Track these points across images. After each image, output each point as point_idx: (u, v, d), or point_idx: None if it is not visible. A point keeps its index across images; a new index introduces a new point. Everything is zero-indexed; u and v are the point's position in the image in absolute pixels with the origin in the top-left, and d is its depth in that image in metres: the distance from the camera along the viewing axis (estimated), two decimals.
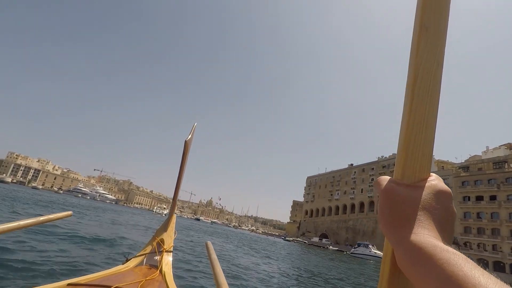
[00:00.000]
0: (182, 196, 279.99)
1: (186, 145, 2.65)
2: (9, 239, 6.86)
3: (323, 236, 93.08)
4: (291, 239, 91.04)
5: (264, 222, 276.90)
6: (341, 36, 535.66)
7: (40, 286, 1.53)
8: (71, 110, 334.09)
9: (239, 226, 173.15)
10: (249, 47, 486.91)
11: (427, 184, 0.42)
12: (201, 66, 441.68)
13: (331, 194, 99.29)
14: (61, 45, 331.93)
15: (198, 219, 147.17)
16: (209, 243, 2.14)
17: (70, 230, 10.54)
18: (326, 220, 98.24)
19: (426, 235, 0.35)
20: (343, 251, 67.30)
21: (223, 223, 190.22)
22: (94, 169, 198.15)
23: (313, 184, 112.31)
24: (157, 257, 2.46)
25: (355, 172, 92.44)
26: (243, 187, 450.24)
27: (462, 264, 0.29)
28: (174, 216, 2.94)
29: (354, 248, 53.84)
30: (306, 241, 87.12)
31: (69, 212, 2.22)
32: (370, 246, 53.42)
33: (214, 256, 1.86)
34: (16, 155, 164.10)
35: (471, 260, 0.30)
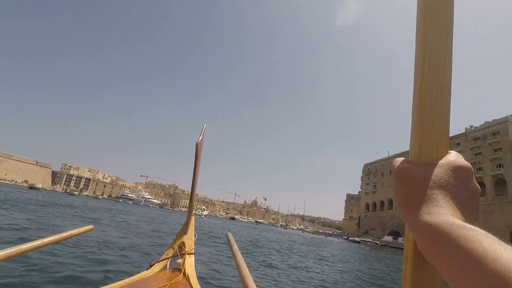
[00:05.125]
0: (226, 197, 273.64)
1: (197, 147, 2.57)
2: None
3: (394, 233, 69.95)
4: (358, 239, 69.07)
5: (312, 220, 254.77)
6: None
7: None
8: (117, 117, 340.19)
9: (287, 225, 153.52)
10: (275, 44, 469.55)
11: (443, 161, 0.38)
12: (229, 67, 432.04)
13: None
14: (92, 54, 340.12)
15: (233, 218, 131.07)
16: (230, 234, 2.01)
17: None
18: (395, 213, 74.72)
19: (442, 214, 0.32)
20: None
21: (269, 223, 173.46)
22: (141, 175, 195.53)
23: (373, 172, 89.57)
24: (180, 260, 2.42)
25: None
26: (288, 185, 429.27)
27: (481, 239, 0.26)
28: (193, 218, 2.85)
29: None
30: (377, 242, 64.83)
31: (90, 226, 2.11)
32: None
33: (235, 247, 1.76)
34: (69, 166, 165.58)
35: (492, 235, 0.27)
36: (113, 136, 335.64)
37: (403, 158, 0.41)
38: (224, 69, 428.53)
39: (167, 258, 2.45)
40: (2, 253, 1.24)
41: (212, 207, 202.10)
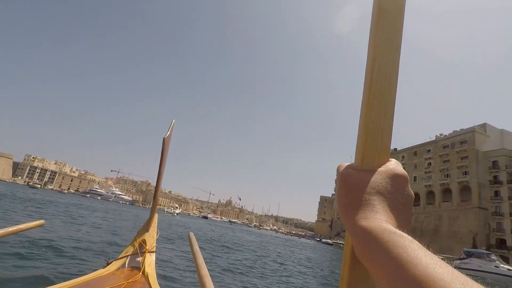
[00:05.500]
0: (201, 196, 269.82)
1: (164, 142, 2.49)
2: None
3: None
4: (331, 241, 69.43)
5: (285, 221, 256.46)
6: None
7: None
8: (87, 109, 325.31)
9: (260, 226, 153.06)
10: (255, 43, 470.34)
11: (383, 169, 0.39)
12: (209, 64, 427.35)
13: None
14: (64, 44, 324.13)
15: (206, 217, 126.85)
16: (192, 234, 2.02)
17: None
18: None
19: (377, 219, 0.33)
20: None
21: (243, 223, 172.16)
22: (112, 170, 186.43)
23: None
24: (140, 258, 2.33)
25: (403, 157, 71.12)
26: (263, 186, 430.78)
27: (407, 245, 0.28)
28: (156, 215, 2.75)
29: (462, 259, 30.35)
30: None
31: (41, 221, 2.02)
32: (492, 256, 28.95)
33: (196, 247, 1.78)
34: (33, 157, 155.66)
35: (417, 242, 0.29)
36: (84, 129, 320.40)
37: (348, 164, 0.43)
38: (201, 64, 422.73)
39: (126, 256, 2.33)
40: None
41: (185, 205, 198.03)
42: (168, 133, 2.56)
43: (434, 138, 64.88)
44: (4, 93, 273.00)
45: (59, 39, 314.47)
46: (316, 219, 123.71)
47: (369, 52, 0.44)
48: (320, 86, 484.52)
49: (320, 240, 76.76)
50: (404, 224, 0.35)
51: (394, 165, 0.41)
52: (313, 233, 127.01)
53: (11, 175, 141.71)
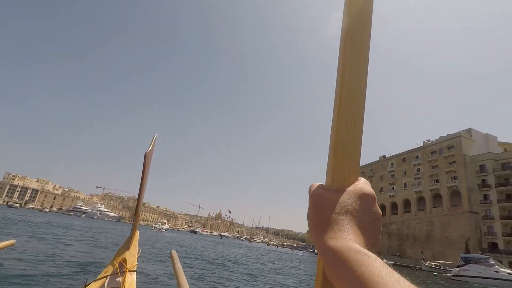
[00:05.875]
0: (190, 210, 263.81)
1: (146, 157, 2.45)
2: None
3: None
4: None
5: (276, 233, 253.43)
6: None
7: None
8: (71, 127, 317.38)
9: (252, 238, 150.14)
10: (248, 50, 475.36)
11: (351, 188, 0.40)
12: (196, 75, 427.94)
13: None
14: (47, 61, 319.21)
15: (195, 232, 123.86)
16: (174, 251, 2.04)
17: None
18: None
19: (344, 238, 0.34)
20: (413, 267, 44.25)
21: (233, 236, 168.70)
22: (97, 187, 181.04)
23: None
24: (120, 279, 2.24)
25: (392, 163, 71.18)
26: (253, 198, 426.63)
27: (370, 263, 0.28)
28: (137, 232, 2.67)
29: (460, 266, 29.29)
30: None
31: (12, 241, 1.97)
32: (491, 260, 28.01)
33: (178, 265, 1.78)
34: (13, 175, 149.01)
35: (380, 259, 0.29)
36: (68, 146, 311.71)
37: (318, 184, 0.44)
38: (186, 77, 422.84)
39: (105, 276, 2.24)
40: None
41: (174, 220, 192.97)
42: (150, 147, 2.50)
43: (421, 144, 65.44)
44: None
45: (39, 56, 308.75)
46: (308, 229, 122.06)
47: (338, 73, 0.45)
48: (307, 95, 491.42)
49: (313, 251, 75.24)
50: (372, 242, 0.36)
51: (362, 184, 0.42)
52: (305, 243, 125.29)
53: None
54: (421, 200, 62.07)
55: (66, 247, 12.50)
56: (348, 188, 0.40)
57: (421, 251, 55.12)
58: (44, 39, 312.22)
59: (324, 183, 0.44)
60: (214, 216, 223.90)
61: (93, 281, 2.22)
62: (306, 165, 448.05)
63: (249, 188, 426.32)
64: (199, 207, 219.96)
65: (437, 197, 58.96)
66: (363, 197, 0.40)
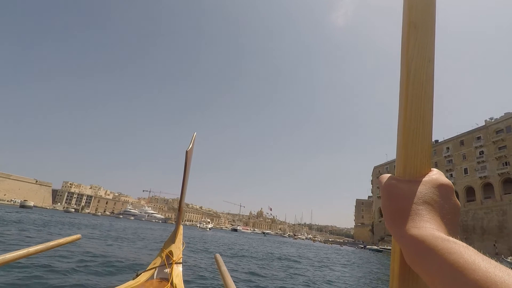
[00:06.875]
0: (232, 209, 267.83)
1: (187, 155, 2.53)
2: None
3: None
4: (378, 247, 60.71)
5: (320, 229, 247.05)
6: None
7: None
8: (115, 135, 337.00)
9: (295, 235, 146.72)
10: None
11: (427, 179, 0.40)
12: (233, 76, 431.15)
13: None
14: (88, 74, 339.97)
15: (236, 230, 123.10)
16: (218, 255, 2.11)
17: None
18: None
19: (428, 228, 0.34)
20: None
21: (276, 233, 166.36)
22: (143, 190, 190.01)
23: (384, 174, 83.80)
24: (167, 270, 2.37)
25: (448, 148, 63.74)
26: (294, 194, 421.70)
27: (462, 251, 0.28)
28: (181, 227, 2.82)
29: None
30: None
31: (78, 236, 2.12)
32: None
33: (224, 268, 1.85)
34: (70, 183, 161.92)
35: (472, 247, 0.29)
36: (116, 153, 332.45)
37: (389, 175, 0.44)
38: (226, 78, 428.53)
39: (154, 267, 2.36)
40: None
41: (217, 219, 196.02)
42: (190, 146, 2.56)
43: (483, 124, 57.53)
44: (41, 125, 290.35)
45: (87, 68, 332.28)
46: (354, 224, 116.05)
47: (402, 64, 0.44)
48: (347, 90, 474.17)
49: (365, 246, 69.84)
50: (452, 232, 0.35)
51: (437, 175, 0.41)
52: (352, 239, 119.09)
53: (51, 202, 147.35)
54: (487, 186, 54.45)
55: (121, 244, 13.90)
56: (424, 179, 0.40)
57: (494, 245, 48.11)
58: (107, 48, 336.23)
59: (394, 174, 0.44)
60: (256, 214, 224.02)
61: (143, 271, 2.30)
62: (347, 159, 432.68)
63: (289, 185, 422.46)
64: (240, 205, 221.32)
65: (508, 182, 51.26)
66: (441, 187, 0.39)
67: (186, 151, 2.48)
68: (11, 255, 1.33)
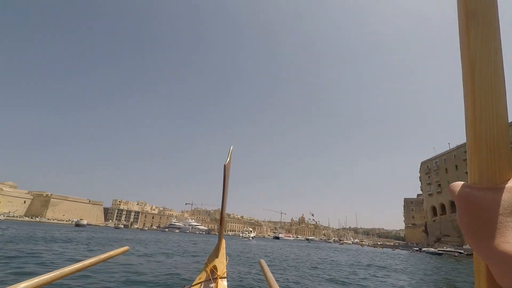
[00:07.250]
0: (273, 217, 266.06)
1: (225, 169, 2.51)
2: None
3: None
4: (436, 250, 53.70)
5: (366, 233, 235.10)
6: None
7: None
8: (156, 153, 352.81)
9: (341, 240, 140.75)
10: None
11: (511, 185, 0.34)
12: (269, 84, 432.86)
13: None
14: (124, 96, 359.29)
15: (278, 237, 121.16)
16: (262, 261, 2.13)
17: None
18: None
19: None
20: None
21: (320, 239, 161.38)
22: (186, 203, 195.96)
23: (434, 169, 77.47)
24: (213, 285, 2.36)
25: None
26: (335, 198, 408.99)
27: None
28: (224, 240, 2.80)
29: None
30: (461, 251, 49.57)
31: (126, 248, 2.19)
32: None
33: (269, 274, 1.84)
34: (119, 201, 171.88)
35: None
36: (159, 169, 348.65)
37: (462, 183, 0.38)
38: (261, 88, 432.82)
39: (200, 282, 2.37)
40: (45, 276, 1.29)
41: (259, 228, 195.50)
42: (228, 159, 2.53)
43: None
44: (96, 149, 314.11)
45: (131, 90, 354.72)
46: (404, 225, 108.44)
47: (464, 58, 0.39)
48: (393, 94, 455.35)
49: (420, 249, 64.11)
50: None
51: None
52: (403, 241, 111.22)
53: (103, 219, 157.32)
54: None
55: (166, 258, 14.10)
56: (507, 185, 0.34)
57: None
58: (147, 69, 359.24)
59: (467, 182, 0.38)
60: (297, 220, 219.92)
61: (190, 286, 2.32)
62: (390, 158, 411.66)
63: (331, 188, 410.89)
64: (281, 213, 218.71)
65: None
66: None
67: (224, 165, 2.44)
68: (69, 268, 1.41)
